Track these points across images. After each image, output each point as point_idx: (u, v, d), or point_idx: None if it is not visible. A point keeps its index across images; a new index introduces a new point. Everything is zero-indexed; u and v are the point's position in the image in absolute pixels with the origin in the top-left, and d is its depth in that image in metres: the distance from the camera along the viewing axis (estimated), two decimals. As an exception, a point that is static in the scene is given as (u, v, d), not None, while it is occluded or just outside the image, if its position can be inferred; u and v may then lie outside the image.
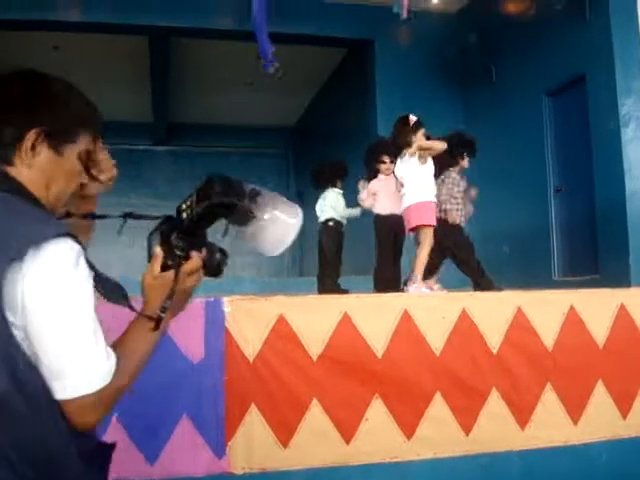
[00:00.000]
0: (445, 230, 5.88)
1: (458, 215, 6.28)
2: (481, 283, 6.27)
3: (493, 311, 3.07)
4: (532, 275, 9.52)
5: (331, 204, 7.45)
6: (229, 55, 11.96)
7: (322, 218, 7.47)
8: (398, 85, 10.77)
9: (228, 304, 2.80)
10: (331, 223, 7.40)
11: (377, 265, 6.79)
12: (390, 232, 6.07)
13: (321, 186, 7.61)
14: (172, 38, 11.18)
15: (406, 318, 2.95)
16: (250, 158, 16.35)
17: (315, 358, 2.84)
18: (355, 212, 7.42)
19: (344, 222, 7.50)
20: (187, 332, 2.76)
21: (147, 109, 14.00)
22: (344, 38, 11.29)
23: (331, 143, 13.45)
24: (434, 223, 5.15)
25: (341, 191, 7.51)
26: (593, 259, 8.46)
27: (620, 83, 8.00)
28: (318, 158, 14.52)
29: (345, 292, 7.52)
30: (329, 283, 7.54)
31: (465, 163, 6.24)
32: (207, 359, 2.76)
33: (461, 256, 6.39)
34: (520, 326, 3.09)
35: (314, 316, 2.88)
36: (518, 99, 9.98)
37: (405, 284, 5.19)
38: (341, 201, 7.49)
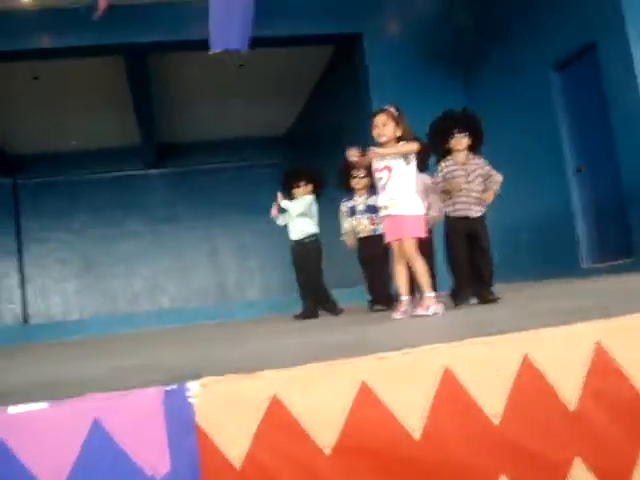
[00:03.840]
0: None
1: None
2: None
3: (564, 353, 2.20)
4: (558, 264, 8.73)
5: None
6: (210, 66, 11.24)
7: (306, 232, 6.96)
8: (392, 78, 9.99)
9: (195, 392, 1.94)
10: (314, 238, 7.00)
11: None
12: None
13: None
14: (149, 54, 10.45)
15: (448, 379, 2.08)
16: (244, 171, 15.62)
17: (328, 451, 1.97)
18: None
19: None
20: (143, 438, 1.90)
21: (134, 132, 13.29)
22: (330, 34, 10.53)
23: (325, 147, 12.71)
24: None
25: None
26: (624, 241, 7.69)
27: (636, 50, 7.21)
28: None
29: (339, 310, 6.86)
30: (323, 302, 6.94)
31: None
32: (175, 472, 1.91)
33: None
34: (602, 369, 2.21)
35: (320, 392, 2.01)
36: (523, 77, 9.17)
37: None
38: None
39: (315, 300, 6.86)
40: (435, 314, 4.37)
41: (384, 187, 4.58)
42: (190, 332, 7.06)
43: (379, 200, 4.67)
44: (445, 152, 5.35)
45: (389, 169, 4.56)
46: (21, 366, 4.44)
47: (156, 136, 13.97)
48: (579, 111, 8.42)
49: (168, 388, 1.94)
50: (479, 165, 5.31)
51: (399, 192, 4.55)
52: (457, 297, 5.18)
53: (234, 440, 1.93)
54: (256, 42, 7.50)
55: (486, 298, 5.07)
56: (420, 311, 4.44)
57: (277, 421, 1.96)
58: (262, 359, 2.76)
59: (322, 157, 13.14)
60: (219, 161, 15.71)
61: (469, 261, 5.24)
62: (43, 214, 15.11)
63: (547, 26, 8.54)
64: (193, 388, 1.94)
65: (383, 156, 4.51)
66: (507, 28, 9.38)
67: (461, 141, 5.24)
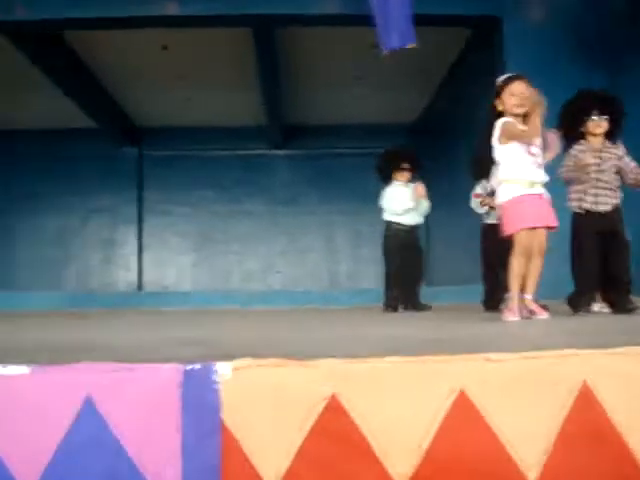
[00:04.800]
0: None
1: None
2: None
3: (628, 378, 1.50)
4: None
5: (385, 202, 6.64)
6: (342, 44, 10.74)
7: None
8: (531, 65, 9.07)
9: (224, 377, 1.38)
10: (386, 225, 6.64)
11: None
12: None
13: (384, 180, 6.83)
14: (278, 29, 10.04)
15: (586, 397, 1.44)
16: (369, 159, 15.01)
17: (402, 481, 1.37)
18: (421, 206, 6.56)
19: (401, 223, 6.54)
20: (148, 430, 1.37)
21: (260, 110, 12.97)
22: (468, 16, 9.75)
23: (456, 138, 11.96)
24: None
25: (401, 183, 6.61)
26: None
27: None
28: (442, 155, 13.10)
29: (427, 308, 6.22)
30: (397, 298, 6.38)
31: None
32: (187, 483, 1.37)
33: None
34: None
35: (400, 399, 1.41)
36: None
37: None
38: (395, 196, 6.52)
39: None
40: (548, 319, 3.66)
41: (540, 165, 3.94)
42: (287, 315, 6.55)
43: (529, 173, 3.89)
44: (578, 136, 4.56)
45: (538, 146, 3.92)
46: (49, 328, 4.08)
47: (282, 116, 13.62)
48: None
49: (189, 367, 1.39)
50: (616, 155, 4.48)
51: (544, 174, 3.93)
52: (578, 302, 4.35)
53: (272, 450, 1.37)
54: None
55: (622, 307, 4.25)
56: (541, 314, 3.72)
57: (334, 432, 1.37)
58: (331, 347, 2.18)
59: (451, 147, 12.41)
60: (344, 146, 15.17)
61: (599, 262, 4.44)
62: (165, 187, 15.09)
63: None
64: (222, 370, 1.39)
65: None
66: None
67: (600, 124, 4.43)
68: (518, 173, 3.88)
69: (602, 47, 9.39)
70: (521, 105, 3.85)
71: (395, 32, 6.96)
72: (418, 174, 6.81)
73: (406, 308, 6.50)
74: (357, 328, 3.57)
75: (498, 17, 9.67)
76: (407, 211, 6.48)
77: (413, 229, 6.61)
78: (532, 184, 3.84)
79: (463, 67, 11.68)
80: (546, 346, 1.60)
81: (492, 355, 1.44)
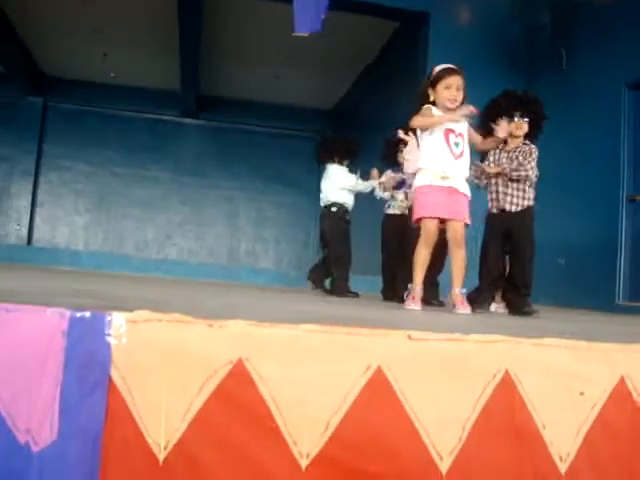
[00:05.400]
0: None
1: None
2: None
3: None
4: (592, 296, 7.94)
5: (334, 181, 6.24)
6: (269, 22, 10.48)
7: (324, 201, 6.29)
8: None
9: (117, 329, 1.21)
10: (334, 209, 6.21)
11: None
12: None
13: (321, 161, 6.51)
14: (204, -7, 9.70)
15: (506, 385, 1.34)
16: (282, 139, 14.82)
17: (305, 463, 1.24)
18: (366, 185, 6.22)
19: (349, 207, 6.27)
20: (22, 383, 1.18)
21: (176, 76, 12.55)
22: (396, 8, 9.73)
23: (374, 128, 11.92)
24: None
25: (344, 167, 6.33)
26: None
27: None
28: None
29: (355, 295, 6.13)
30: (336, 285, 6.20)
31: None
32: (62, 446, 1.19)
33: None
34: None
35: (312, 371, 1.27)
36: (593, 90, 8.34)
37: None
38: (346, 175, 6.27)
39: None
40: (467, 314, 3.58)
41: (460, 155, 3.80)
42: (184, 284, 6.29)
43: (443, 165, 3.77)
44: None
45: (462, 137, 3.82)
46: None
47: (198, 85, 13.24)
48: (645, 136, 7.62)
49: (78, 314, 1.21)
50: (524, 151, 4.42)
51: (467, 167, 3.83)
52: (477, 300, 4.29)
53: (164, 415, 1.21)
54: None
55: (519, 308, 4.23)
56: (460, 308, 3.65)
57: (236, 400, 1.22)
58: (241, 311, 2.02)
59: (366, 135, 12.38)
60: (257, 124, 14.93)
61: (501, 262, 4.44)
62: (67, 142, 14.37)
63: (626, 40, 7.72)
64: (117, 322, 1.21)
65: (458, 120, 3.77)
66: (584, 35, 8.56)
67: (522, 126, 4.40)
68: (431, 163, 3.78)
69: (523, 60, 9.58)
70: (454, 99, 3.75)
71: (307, 16, 6.82)
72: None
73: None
74: (267, 300, 3.41)
75: (426, 12, 9.72)
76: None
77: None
78: (444, 177, 3.75)
79: (386, 59, 11.68)
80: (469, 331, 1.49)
81: (414, 333, 1.31)
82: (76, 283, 3.32)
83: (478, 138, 4.03)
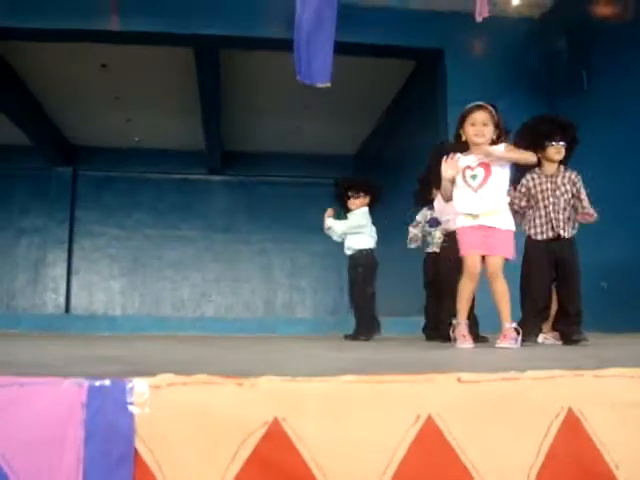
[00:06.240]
0: None
1: None
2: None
3: None
4: (636, 320, 7.67)
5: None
6: (285, 71, 10.54)
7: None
8: (473, 99, 9.11)
9: (140, 397, 1.10)
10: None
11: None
12: None
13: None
14: (221, 51, 9.80)
15: (571, 425, 1.21)
16: (309, 187, 14.79)
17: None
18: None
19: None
20: (42, 464, 1.08)
21: (199, 135, 12.67)
22: (411, 48, 9.73)
23: (399, 170, 11.87)
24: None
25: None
26: None
27: None
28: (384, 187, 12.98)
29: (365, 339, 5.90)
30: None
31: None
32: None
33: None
34: None
35: (356, 426, 1.15)
36: (616, 110, 8.21)
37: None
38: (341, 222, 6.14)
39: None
40: (515, 348, 3.44)
41: (480, 186, 3.74)
42: (218, 340, 6.17)
43: (468, 206, 3.78)
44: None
45: (487, 168, 3.74)
46: None
47: (222, 142, 13.35)
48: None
49: (97, 383, 1.11)
50: (570, 180, 4.34)
51: (498, 198, 3.74)
52: (523, 333, 4.10)
53: (197, 488, 1.09)
54: (336, 48, 6.78)
55: (570, 338, 4.06)
56: (504, 343, 3.52)
57: (274, 465, 1.11)
58: (271, 365, 1.90)
59: (390, 178, 12.29)
60: (283, 174, 14.98)
61: (549, 291, 4.31)
62: (99, 208, 14.56)
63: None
64: (139, 389, 1.11)
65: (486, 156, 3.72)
66: (602, 57, 8.44)
67: (561, 150, 4.31)
68: (459, 206, 3.82)
69: (544, 88, 9.50)
70: (481, 135, 3.72)
71: (312, 67, 6.72)
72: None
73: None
74: (303, 350, 3.29)
75: (440, 49, 9.72)
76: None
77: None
78: (473, 216, 3.73)
79: (405, 100, 11.68)
80: (516, 369, 1.36)
81: (464, 375, 1.19)
82: (108, 349, 3.24)
83: (525, 154, 3.91)
